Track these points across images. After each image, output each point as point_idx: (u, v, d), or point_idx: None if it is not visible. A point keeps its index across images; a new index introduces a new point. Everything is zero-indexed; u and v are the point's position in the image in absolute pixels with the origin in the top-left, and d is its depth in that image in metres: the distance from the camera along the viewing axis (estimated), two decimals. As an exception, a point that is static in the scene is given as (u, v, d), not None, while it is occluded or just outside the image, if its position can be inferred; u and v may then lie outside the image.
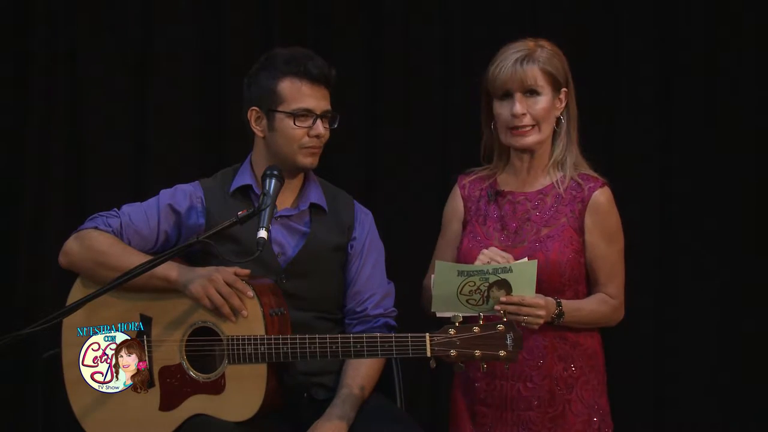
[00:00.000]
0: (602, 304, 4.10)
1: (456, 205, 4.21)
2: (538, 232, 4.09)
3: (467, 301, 3.89)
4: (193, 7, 5.60)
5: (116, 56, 5.54)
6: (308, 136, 4.10)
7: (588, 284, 4.13)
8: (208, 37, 5.60)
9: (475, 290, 3.88)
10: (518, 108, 4.05)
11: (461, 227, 4.19)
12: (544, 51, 4.08)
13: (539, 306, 3.90)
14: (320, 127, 4.10)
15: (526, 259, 3.94)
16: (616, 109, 5.59)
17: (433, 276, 3.90)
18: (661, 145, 5.58)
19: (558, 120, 4.13)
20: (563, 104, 4.12)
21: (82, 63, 5.52)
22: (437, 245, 4.23)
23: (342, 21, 5.62)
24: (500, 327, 3.79)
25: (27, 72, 5.49)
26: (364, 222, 4.23)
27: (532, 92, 4.06)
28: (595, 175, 4.14)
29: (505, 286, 3.87)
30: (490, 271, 3.86)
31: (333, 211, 4.20)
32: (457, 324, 3.81)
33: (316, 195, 4.20)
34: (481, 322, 3.81)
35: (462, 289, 3.87)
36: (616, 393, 3.99)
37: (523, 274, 3.86)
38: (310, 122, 4.09)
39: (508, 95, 4.07)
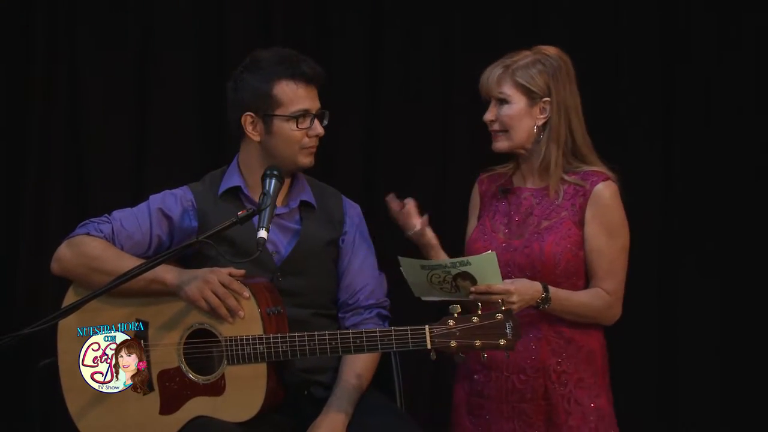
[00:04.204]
0: (596, 299, 4.06)
1: (475, 200, 4.30)
2: (539, 224, 4.11)
3: (441, 289, 3.95)
4: (193, 7, 5.59)
5: (116, 56, 5.54)
6: (307, 136, 4.09)
7: (587, 280, 4.10)
8: (208, 37, 5.59)
9: (443, 281, 3.93)
10: (487, 115, 4.15)
11: (476, 221, 4.25)
12: (524, 60, 4.10)
13: (509, 293, 3.91)
14: (319, 127, 4.10)
15: (489, 251, 3.97)
16: (617, 109, 5.56)
17: (401, 269, 3.96)
18: (662, 143, 5.55)
19: (540, 129, 4.12)
20: (545, 114, 4.11)
21: (82, 63, 5.52)
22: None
23: (342, 21, 5.61)
24: (499, 316, 3.78)
25: (27, 72, 5.48)
26: (353, 215, 4.23)
27: (503, 100, 4.11)
28: (601, 170, 4.12)
29: (469, 277, 3.91)
30: (449, 265, 3.92)
31: (322, 207, 4.19)
32: (455, 314, 3.79)
33: (304, 192, 4.18)
34: (479, 311, 3.79)
35: (431, 280, 3.94)
36: (619, 393, 3.94)
37: (483, 266, 3.90)
38: (308, 123, 4.08)
39: (488, 101, 4.16)
